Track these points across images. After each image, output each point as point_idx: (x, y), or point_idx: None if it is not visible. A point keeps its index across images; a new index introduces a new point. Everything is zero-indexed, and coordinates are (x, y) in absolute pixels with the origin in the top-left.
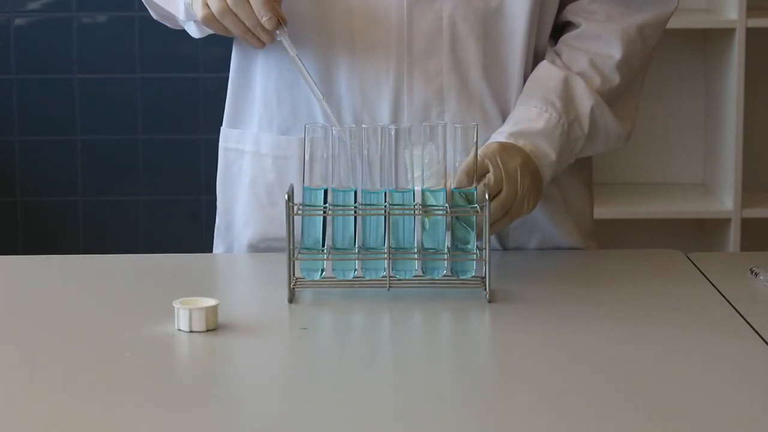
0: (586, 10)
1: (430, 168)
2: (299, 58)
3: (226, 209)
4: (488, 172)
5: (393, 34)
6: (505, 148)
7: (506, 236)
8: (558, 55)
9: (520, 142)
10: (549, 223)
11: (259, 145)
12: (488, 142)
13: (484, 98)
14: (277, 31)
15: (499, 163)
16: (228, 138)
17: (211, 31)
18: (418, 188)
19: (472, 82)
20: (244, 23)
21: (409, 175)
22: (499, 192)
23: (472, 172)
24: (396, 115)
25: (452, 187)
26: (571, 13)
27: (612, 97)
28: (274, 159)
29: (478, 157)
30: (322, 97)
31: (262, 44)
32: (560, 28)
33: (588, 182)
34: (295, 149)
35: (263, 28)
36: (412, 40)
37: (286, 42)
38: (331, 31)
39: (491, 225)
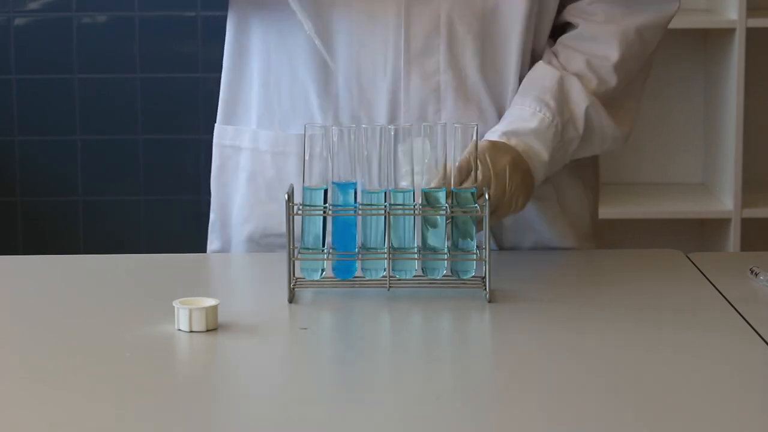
0: (586, 11)
1: (420, 164)
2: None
3: (221, 205)
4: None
5: (391, 32)
6: (495, 146)
7: (501, 236)
8: (555, 55)
9: (512, 141)
10: (543, 223)
11: (258, 142)
12: (480, 141)
13: (481, 97)
14: None
15: (488, 161)
16: (224, 135)
17: None
18: (406, 184)
19: (469, 80)
20: None
21: (403, 171)
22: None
23: (461, 169)
24: (393, 113)
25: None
26: (570, 14)
27: (609, 99)
28: (273, 155)
29: (468, 155)
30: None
31: None
32: (560, 28)
33: (590, 185)
34: (294, 146)
35: None
36: (410, 38)
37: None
38: (329, 30)
39: (477, 222)
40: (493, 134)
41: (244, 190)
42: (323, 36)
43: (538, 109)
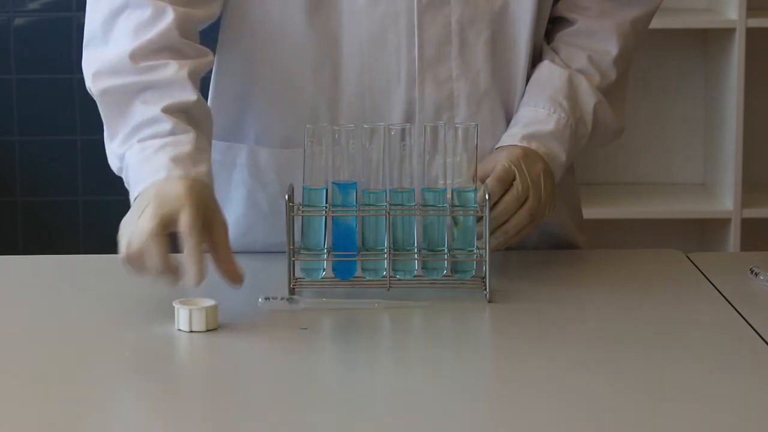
0: (580, 6)
1: (462, 176)
2: None
3: None
4: (515, 179)
5: (404, 40)
6: (527, 154)
7: None
8: (556, 52)
9: (533, 145)
10: (550, 218)
11: (258, 159)
12: (508, 147)
13: (493, 101)
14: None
15: (525, 170)
16: (213, 150)
17: None
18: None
19: (482, 85)
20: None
21: (449, 182)
22: (526, 199)
23: (503, 179)
24: (407, 122)
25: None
26: (564, 9)
27: (608, 92)
28: (277, 172)
29: (505, 164)
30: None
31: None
32: (551, 23)
33: (574, 176)
34: (299, 160)
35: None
36: (423, 46)
37: None
38: (342, 40)
39: (518, 232)
40: (513, 138)
41: (242, 205)
42: (334, 46)
43: (552, 110)
